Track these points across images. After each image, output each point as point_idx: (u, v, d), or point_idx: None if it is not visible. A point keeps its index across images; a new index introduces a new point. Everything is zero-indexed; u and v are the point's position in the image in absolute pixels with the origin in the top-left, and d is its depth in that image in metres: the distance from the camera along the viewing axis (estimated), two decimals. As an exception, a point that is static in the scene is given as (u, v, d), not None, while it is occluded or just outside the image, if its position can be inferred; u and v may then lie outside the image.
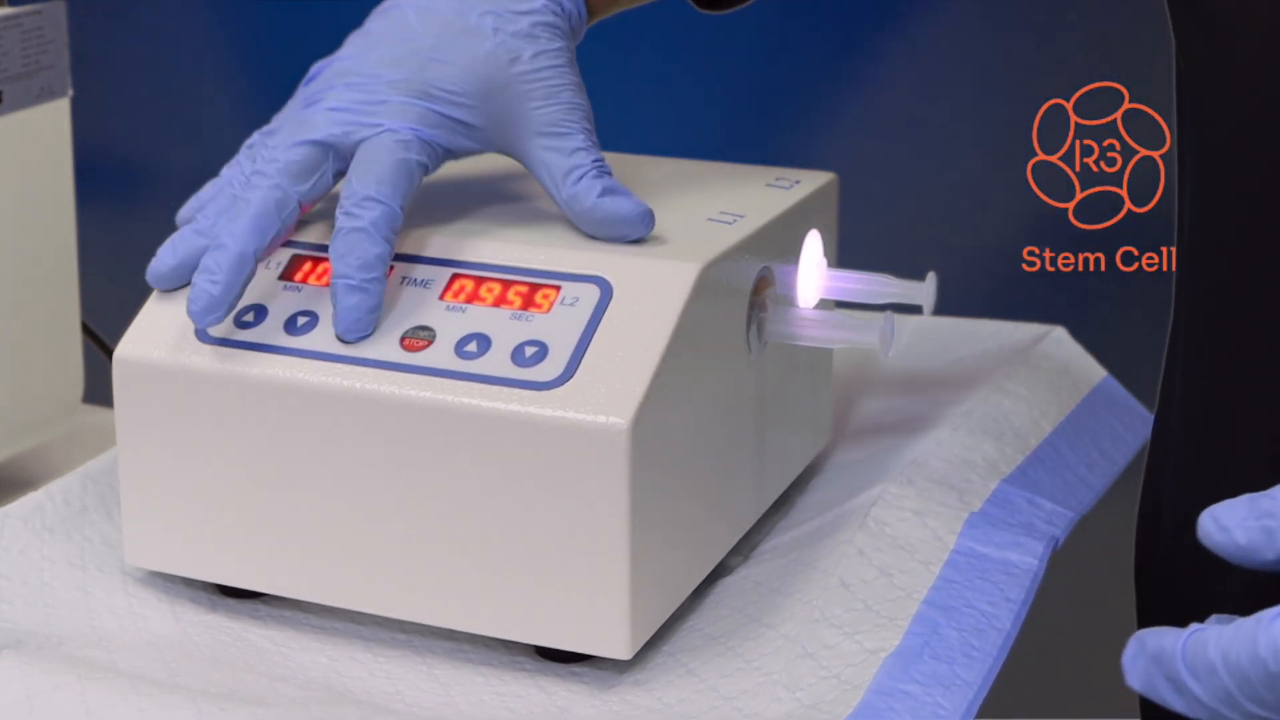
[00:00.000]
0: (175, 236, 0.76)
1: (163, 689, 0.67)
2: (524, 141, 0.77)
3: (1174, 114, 0.86)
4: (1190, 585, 0.81)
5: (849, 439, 0.94)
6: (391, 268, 0.74)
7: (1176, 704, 0.59)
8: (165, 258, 0.76)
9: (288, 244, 0.76)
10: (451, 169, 0.81)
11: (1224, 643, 0.57)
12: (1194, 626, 0.58)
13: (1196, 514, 0.60)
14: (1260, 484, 0.60)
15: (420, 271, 0.74)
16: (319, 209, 0.77)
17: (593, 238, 0.75)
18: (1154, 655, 0.59)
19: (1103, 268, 0.93)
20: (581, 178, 0.75)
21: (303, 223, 0.77)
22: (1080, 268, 0.95)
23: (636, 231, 0.75)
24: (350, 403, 0.71)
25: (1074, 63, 1.41)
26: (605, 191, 0.75)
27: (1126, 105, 1.01)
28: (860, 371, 1.00)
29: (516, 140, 0.77)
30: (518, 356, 0.71)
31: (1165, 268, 0.89)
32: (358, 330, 0.72)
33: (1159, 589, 0.87)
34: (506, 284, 0.73)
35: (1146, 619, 0.88)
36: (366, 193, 0.73)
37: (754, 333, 0.78)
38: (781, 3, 1.47)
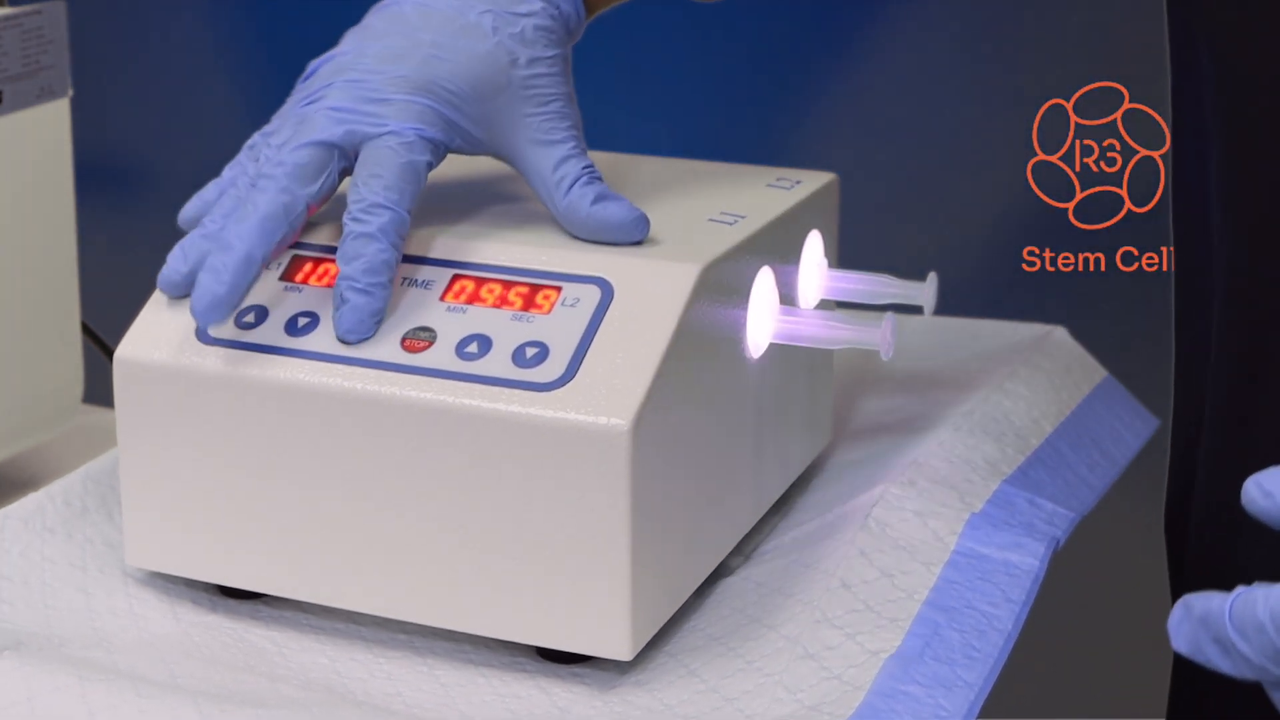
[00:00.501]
0: (184, 242, 0.76)
1: (163, 690, 0.67)
2: (516, 147, 0.77)
3: (1173, 113, 0.86)
4: (1227, 569, 0.81)
5: (850, 439, 0.94)
6: (392, 268, 0.74)
7: (1223, 665, 0.59)
8: (176, 265, 0.75)
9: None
10: (452, 169, 0.81)
11: (1273, 601, 0.57)
12: (1240, 589, 0.58)
13: (1231, 496, 0.60)
14: None
15: (421, 272, 0.74)
16: (322, 209, 0.77)
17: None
18: (1201, 618, 0.59)
19: (1103, 268, 0.93)
20: (574, 185, 0.75)
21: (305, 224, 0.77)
22: (1080, 268, 0.95)
23: (631, 236, 0.75)
24: (351, 404, 0.71)
25: (1074, 63, 1.41)
26: (599, 198, 0.75)
27: (1126, 105, 1.01)
28: (860, 371, 1.00)
29: (508, 145, 0.77)
30: (518, 357, 0.70)
31: (1165, 267, 0.89)
32: (359, 333, 0.72)
33: (1192, 577, 0.87)
34: (507, 285, 0.73)
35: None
36: (374, 199, 0.73)
37: (754, 333, 0.78)
38: (782, 2, 1.47)
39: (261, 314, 0.74)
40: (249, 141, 0.79)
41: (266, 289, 0.75)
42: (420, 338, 0.72)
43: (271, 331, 0.74)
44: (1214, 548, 0.84)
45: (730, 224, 0.78)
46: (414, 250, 0.75)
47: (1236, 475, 0.61)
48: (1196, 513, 0.85)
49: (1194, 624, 0.59)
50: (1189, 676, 0.87)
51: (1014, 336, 1.04)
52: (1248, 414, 0.80)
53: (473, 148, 0.77)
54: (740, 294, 0.77)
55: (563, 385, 0.69)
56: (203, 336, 0.74)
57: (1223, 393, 0.82)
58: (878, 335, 0.80)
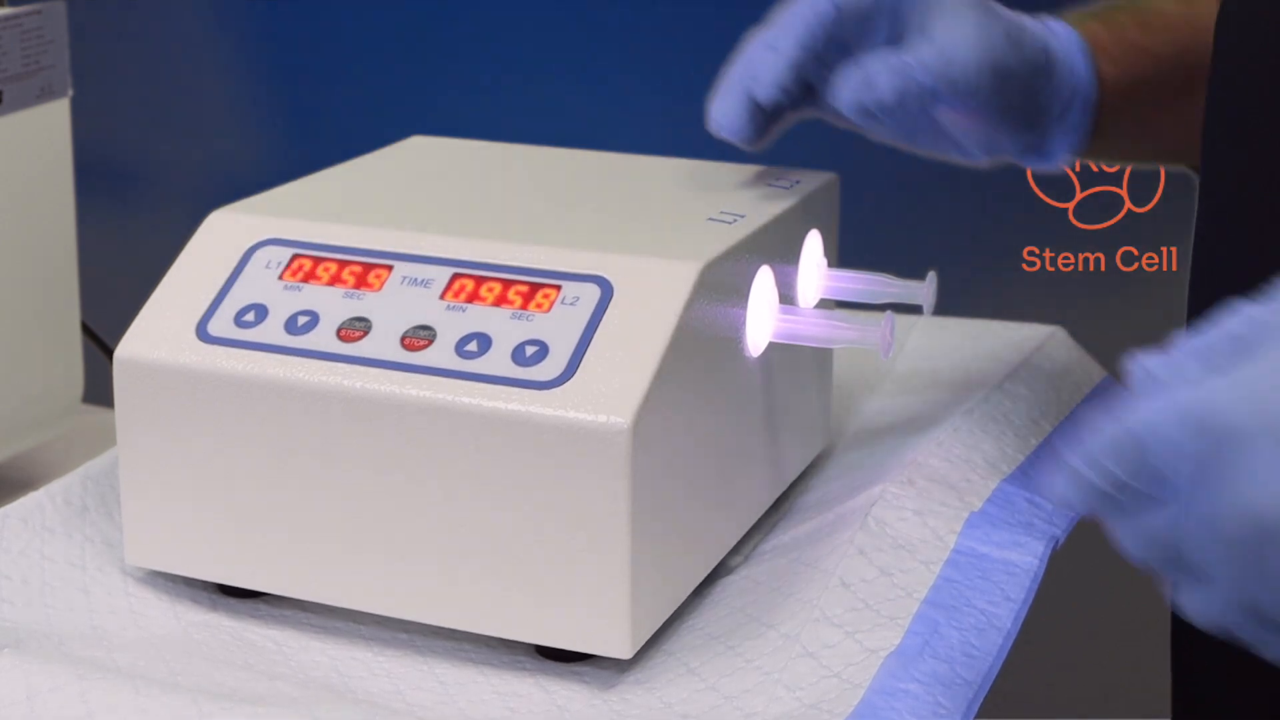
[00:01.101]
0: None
1: (163, 688, 0.67)
2: None
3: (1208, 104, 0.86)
4: None
5: (849, 439, 0.94)
6: (390, 267, 0.75)
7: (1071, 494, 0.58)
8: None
9: (287, 244, 0.76)
10: (452, 168, 0.81)
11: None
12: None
13: None
14: None
15: (421, 271, 0.74)
16: (313, 209, 0.77)
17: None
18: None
19: (1103, 268, 0.93)
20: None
21: (306, 222, 0.77)
22: (1080, 268, 0.95)
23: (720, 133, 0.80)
24: (351, 402, 0.71)
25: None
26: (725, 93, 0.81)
27: (1126, 105, 1.01)
28: (860, 371, 1.00)
29: None
30: (518, 356, 0.71)
31: (1165, 268, 0.90)
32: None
33: None
34: (507, 283, 0.73)
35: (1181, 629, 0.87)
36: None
37: (754, 332, 0.78)
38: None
39: (261, 312, 0.74)
40: None
41: (265, 288, 0.75)
42: (420, 336, 0.72)
43: (271, 330, 0.74)
44: None
45: (730, 223, 0.78)
46: (413, 248, 0.75)
47: None
48: None
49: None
50: (1190, 677, 0.87)
51: (1014, 336, 1.04)
52: None
53: None
54: (740, 293, 0.77)
55: (562, 384, 0.69)
56: (203, 335, 0.74)
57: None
58: (877, 335, 0.80)
